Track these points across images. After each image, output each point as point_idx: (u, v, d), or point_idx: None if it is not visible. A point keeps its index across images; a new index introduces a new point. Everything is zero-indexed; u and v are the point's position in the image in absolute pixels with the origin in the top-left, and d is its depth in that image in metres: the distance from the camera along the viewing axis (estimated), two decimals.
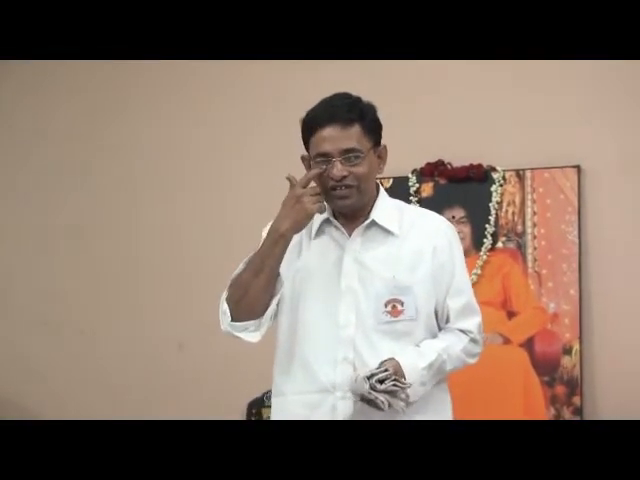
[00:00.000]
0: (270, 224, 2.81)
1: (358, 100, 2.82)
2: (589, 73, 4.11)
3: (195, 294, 4.70)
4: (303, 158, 2.84)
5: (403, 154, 3.67)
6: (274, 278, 2.80)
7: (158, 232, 4.85)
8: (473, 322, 2.86)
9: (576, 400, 4.06)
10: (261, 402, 4.45)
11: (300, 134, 2.83)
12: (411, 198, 4.26)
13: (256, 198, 4.43)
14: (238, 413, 4.51)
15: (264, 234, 2.83)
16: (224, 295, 2.85)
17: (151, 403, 4.69)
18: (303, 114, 2.83)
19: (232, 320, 2.82)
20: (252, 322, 2.81)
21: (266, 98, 4.66)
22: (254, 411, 4.48)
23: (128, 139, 4.94)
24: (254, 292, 2.78)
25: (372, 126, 2.80)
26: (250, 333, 2.82)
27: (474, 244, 4.23)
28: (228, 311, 2.82)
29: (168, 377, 4.74)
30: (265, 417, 4.39)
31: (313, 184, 2.77)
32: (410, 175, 4.36)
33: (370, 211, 2.85)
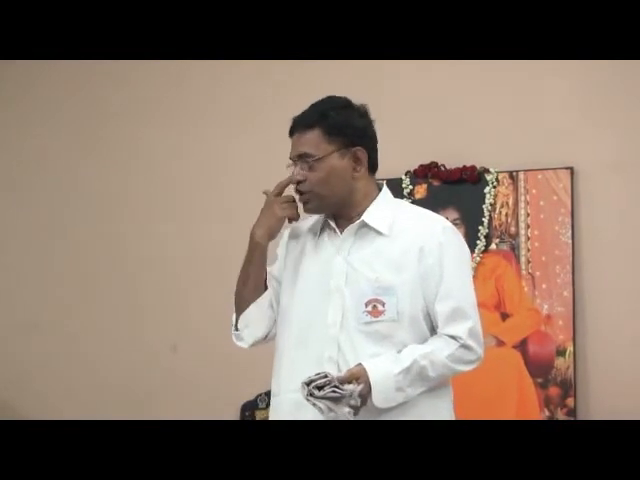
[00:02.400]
0: (281, 241, 2.91)
1: (331, 103, 2.80)
2: (583, 74, 4.11)
3: (189, 296, 4.70)
4: None
5: (396, 156, 3.67)
6: (260, 285, 2.87)
7: (151, 234, 4.84)
8: (463, 327, 2.73)
9: (570, 401, 4.06)
10: (254, 404, 4.44)
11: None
12: (404, 200, 4.25)
13: (251, 200, 4.41)
14: (232, 415, 4.49)
15: (278, 252, 2.93)
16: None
17: (144, 404, 4.68)
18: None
19: (236, 329, 2.90)
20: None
21: (264, 99, 4.66)
22: (247, 413, 4.47)
23: (120, 140, 4.92)
24: (247, 299, 2.87)
25: (338, 129, 2.75)
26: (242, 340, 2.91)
27: (467, 246, 4.21)
28: (234, 320, 2.91)
29: (162, 379, 4.73)
30: (259, 419, 4.38)
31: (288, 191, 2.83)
32: (403, 177, 4.36)
33: (364, 211, 2.83)
